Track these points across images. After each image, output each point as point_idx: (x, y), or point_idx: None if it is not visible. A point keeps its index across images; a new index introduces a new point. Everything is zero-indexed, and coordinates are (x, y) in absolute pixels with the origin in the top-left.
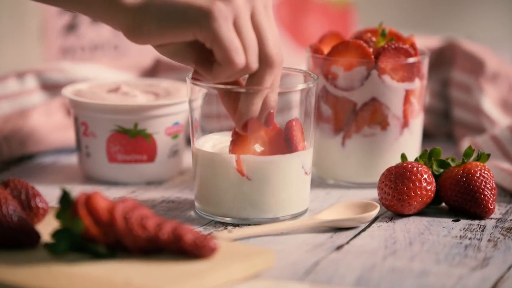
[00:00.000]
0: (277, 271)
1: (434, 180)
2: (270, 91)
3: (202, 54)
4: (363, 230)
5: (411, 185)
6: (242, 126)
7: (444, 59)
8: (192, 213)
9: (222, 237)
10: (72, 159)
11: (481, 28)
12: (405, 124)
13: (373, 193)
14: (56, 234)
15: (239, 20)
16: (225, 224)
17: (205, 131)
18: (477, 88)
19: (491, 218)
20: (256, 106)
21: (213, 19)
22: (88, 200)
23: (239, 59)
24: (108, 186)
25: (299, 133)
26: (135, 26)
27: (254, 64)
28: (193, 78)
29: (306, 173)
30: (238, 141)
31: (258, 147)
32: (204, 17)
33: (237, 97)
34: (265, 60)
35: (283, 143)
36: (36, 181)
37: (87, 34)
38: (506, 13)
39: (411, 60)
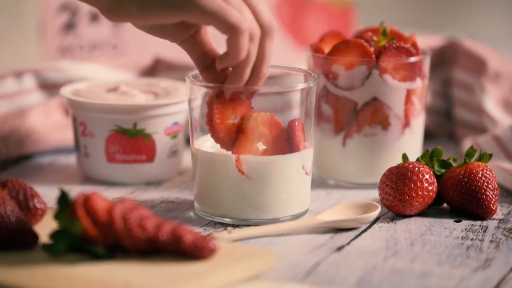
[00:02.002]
0: (277, 272)
1: (435, 181)
2: (264, 63)
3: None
4: (364, 231)
5: (412, 185)
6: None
7: (446, 58)
8: (191, 213)
9: (222, 238)
10: (71, 159)
11: (483, 27)
12: (406, 124)
13: (374, 194)
14: (54, 235)
15: None
16: (224, 225)
17: (205, 131)
18: (479, 87)
19: (493, 219)
20: (246, 78)
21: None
22: (87, 200)
23: (240, 18)
24: (107, 187)
25: (301, 133)
26: (113, 6)
27: (255, 25)
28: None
29: (306, 173)
30: (240, 141)
31: (261, 145)
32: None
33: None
34: (263, 29)
35: (284, 143)
36: (34, 181)
37: (85, 33)
38: (508, 12)
39: (412, 59)
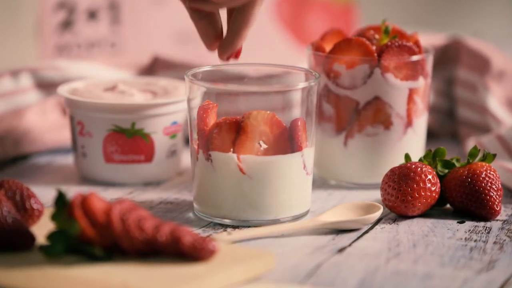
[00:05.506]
0: (277, 274)
1: (438, 181)
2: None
3: None
4: (366, 232)
5: (415, 186)
6: (227, 56)
7: (449, 57)
8: (190, 214)
9: (221, 239)
10: (68, 159)
11: (487, 25)
12: (408, 123)
13: (376, 194)
14: (51, 236)
15: None
16: (224, 226)
17: None
18: (482, 86)
19: (497, 220)
20: (244, 39)
21: None
22: (84, 201)
23: None
24: (104, 187)
25: (303, 133)
26: None
27: None
28: (192, 8)
29: (307, 173)
30: (241, 139)
31: (262, 144)
32: None
33: (213, 19)
34: None
35: (286, 142)
36: (31, 182)
37: (83, 31)
38: None
39: (415, 58)
